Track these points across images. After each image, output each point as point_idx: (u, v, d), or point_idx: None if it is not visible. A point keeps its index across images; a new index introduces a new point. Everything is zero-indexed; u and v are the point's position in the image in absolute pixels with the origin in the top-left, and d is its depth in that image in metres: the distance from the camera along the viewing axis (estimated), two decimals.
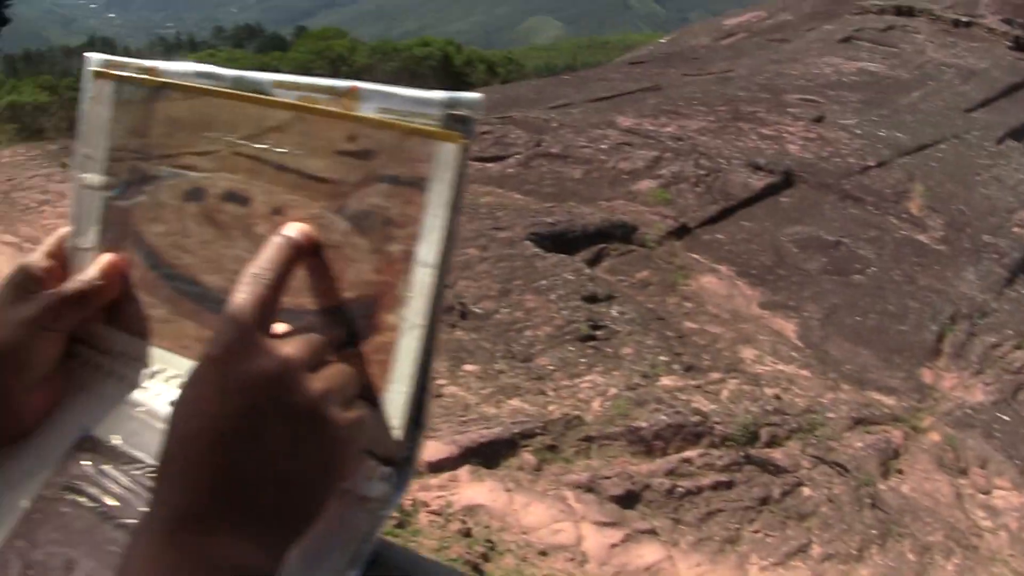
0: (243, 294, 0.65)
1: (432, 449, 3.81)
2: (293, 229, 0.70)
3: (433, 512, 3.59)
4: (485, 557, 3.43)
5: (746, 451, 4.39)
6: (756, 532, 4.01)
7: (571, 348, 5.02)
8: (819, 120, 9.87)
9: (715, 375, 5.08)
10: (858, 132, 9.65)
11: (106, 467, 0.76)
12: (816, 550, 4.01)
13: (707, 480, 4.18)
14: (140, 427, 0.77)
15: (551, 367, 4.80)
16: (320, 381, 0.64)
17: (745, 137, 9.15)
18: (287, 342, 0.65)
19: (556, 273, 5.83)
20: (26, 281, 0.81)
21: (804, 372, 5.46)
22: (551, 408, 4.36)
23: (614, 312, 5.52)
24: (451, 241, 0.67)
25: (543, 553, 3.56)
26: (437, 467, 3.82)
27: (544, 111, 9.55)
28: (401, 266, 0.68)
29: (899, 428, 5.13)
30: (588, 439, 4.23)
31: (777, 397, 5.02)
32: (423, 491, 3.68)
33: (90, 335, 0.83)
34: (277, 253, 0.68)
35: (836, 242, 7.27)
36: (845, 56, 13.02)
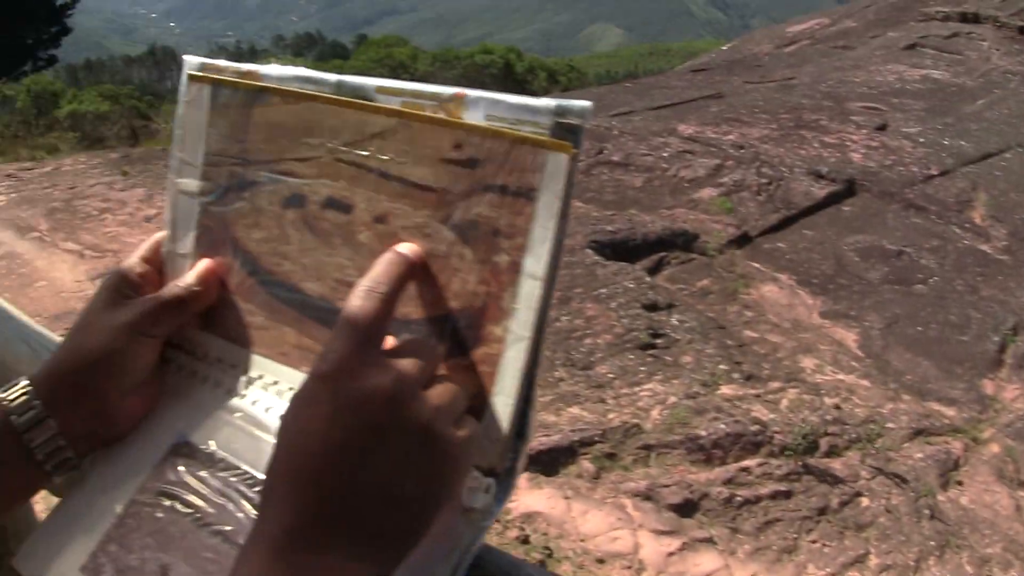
0: (357, 308, 0.64)
1: None
2: (406, 247, 0.69)
3: None
4: (543, 564, 3.42)
5: (805, 461, 4.36)
6: (814, 542, 3.98)
7: (631, 356, 5.01)
8: (882, 128, 9.73)
9: (775, 384, 5.04)
10: (921, 140, 9.50)
11: (202, 473, 0.76)
12: (873, 561, 3.97)
13: (765, 489, 4.15)
14: (236, 433, 0.77)
15: (611, 375, 4.79)
16: (433, 398, 0.64)
17: (807, 145, 9.06)
18: (401, 359, 0.64)
19: (616, 281, 5.82)
20: (122, 286, 0.81)
21: (864, 382, 5.40)
22: (610, 416, 4.36)
23: (674, 320, 5.50)
24: (558, 253, 0.65)
25: (600, 561, 3.56)
26: None
27: (605, 119, 9.51)
28: (507, 277, 0.66)
29: (959, 439, 5.05)
30: (647, 447, 4.22)
31: (837, 407, 4.97)
32: None
33: (186, 340, 0.83)
34: (392, 268, 0.67)
35: (898, 251, 7.17)
36: (909, 63, 12.82)
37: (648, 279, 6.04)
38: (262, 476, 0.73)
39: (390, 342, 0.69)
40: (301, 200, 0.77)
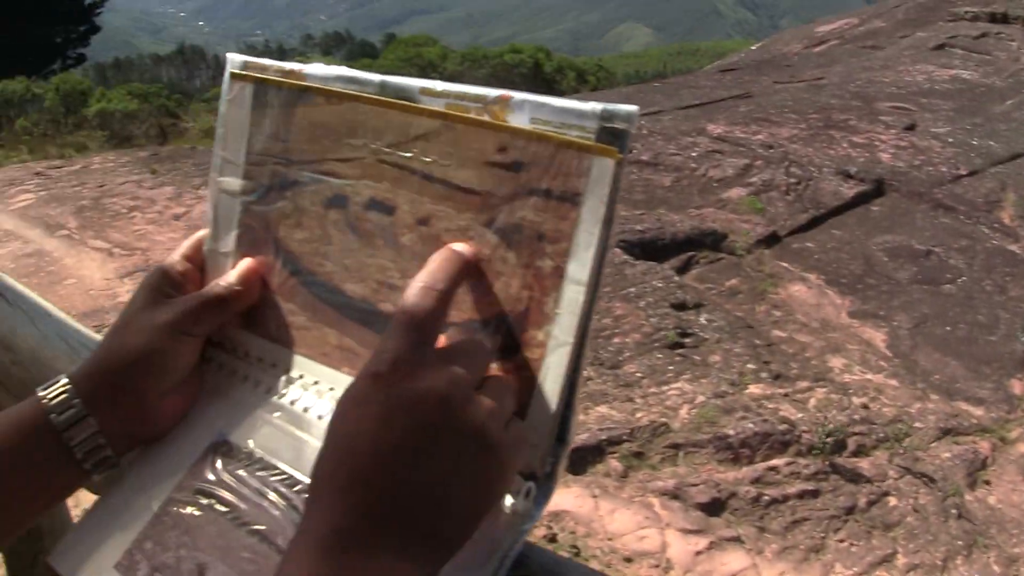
0: (412, 306, 0.63)
1: None
2: (461, 246, 0.68)
3: None
4: None
5: (833, 460, 4.33)
6: (841, 541, 3.96)
7: (659, 355, 5.00)
8: (911, 128, 9.66)
9: (803, 384, 5.02)
10: (950, 141, 9.42)
11: (240, 472, 0.76)
12: (901, 560, 3.95)
13: (793, 489, 4.13)
14: (275, 433, 0.76)
15: (639, 374, 4.79)
16: (485, 400, 0.63)
17: (836, 145, 9.00)
18: (454, 359, 0.63)
19: (645, 281, 5.81)
20: (163, 284, 0.81)
21: (892, 382, 5.37)
22: (638, 415, 4.35)
23: (703, 320, 5.48)
24: (602, 258, 0.65)
25: (628, 559, 3.55)
26: None
27: None
28: (550, 282, 0.65)
29: (987, 439, 5.01)
30: (675, 446, 4.21)
31: (865, 406, 4.94)
32: None
33: (227, 339, 0.83)
34: (448, 266, 0.66)
35: (927, 251, 7.12)
36: (938, 63, 12.72)
37: (677, 278, 6.02)
38: (301, 476, 0.74)
39: (442, 341, 0.68)
40: (344, 201, 0.77)
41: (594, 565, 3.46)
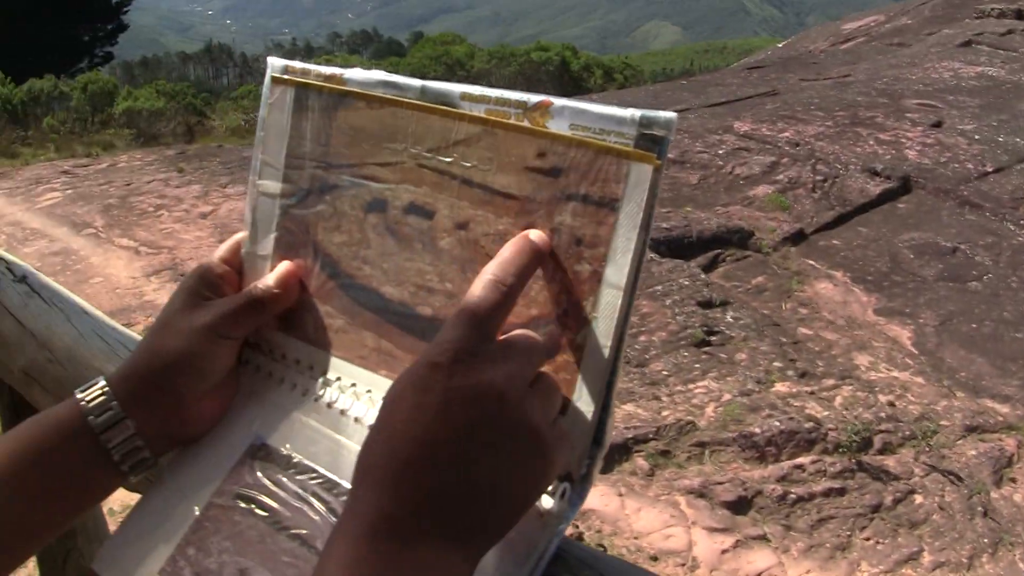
0: (479, 299, 0.62)
1: None
2: (537, 235, 0.66)
3: None
4: None
5: (859, 458, 4.30)
6: (867, 539, 3.93)
7: (685, 353, 4.98)
8: (937, 125, 9.58)
9: (829, 381, 4.98)
10: (976, 137, 9.34)
11: (279, 475, 0.75)
12: (927, 558, 3.91)
13: (819, 487, 4.11)
14: (313, 436, 0.76)
15: (665, 372, 4.77)
16: (537, 398, 0.62)
17: (863, 142, 8.94)
18: (512, 356, 0.62)
19: (672, 278, 5.79)
20: (201, 287, 0.80)
21: (918, 379, 5.32)
22: (665, 413, 4.34)
23: (729, 318, 5.46)
24: (640, 263, 0.64)
25: (654, 558, 3.54)
26: None
27: None
28: (588, 286, 0.65)
29: (1013, 436, 4.96)
30: (701, 444, 4.20)
31: (891, 404, 4.90)
32: None
33: (264, 342, 0.82)
34: (520, 259, 0.65)
35: (953, 248, 7.06)
36: (964, 60, 12.62)
37: (703, 276, 6.00)
38: (339, 479, 0.73)
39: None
40: (383, 205, 0.76)
41: None
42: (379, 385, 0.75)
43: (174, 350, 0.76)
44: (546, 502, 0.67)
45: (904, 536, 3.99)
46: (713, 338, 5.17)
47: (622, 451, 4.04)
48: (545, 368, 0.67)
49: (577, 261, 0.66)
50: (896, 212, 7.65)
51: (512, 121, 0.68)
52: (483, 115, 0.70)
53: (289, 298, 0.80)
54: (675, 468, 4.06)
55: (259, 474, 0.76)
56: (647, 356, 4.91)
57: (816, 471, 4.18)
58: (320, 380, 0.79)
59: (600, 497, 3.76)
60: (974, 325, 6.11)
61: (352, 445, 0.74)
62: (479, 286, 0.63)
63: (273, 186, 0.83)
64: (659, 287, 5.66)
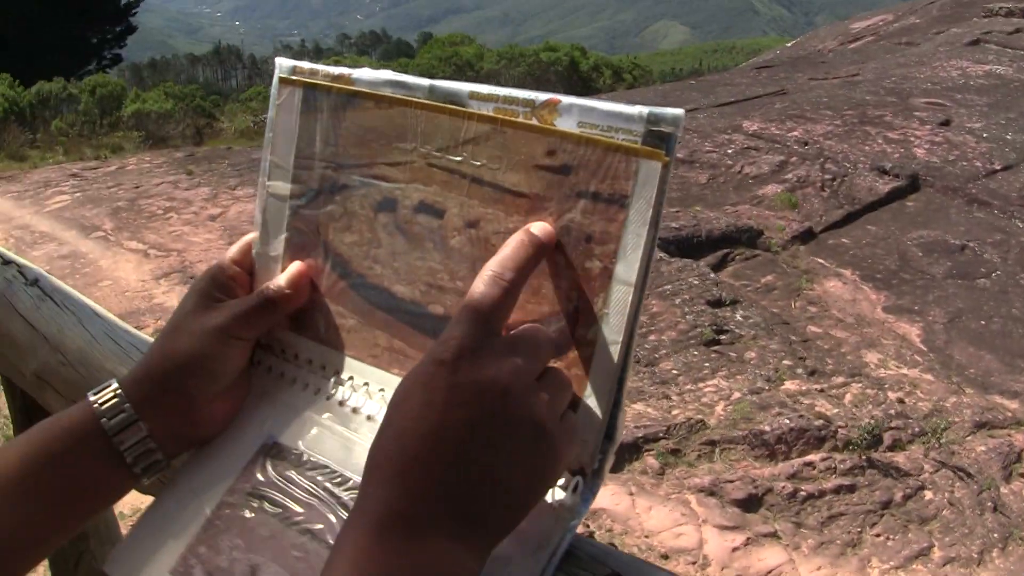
0: (481, 295, 0.62)
1: None
2: (539, 227, 0.66)
3: None
4: None
5: (869, 455, 4.29)
6: (878, 536, 3.92)
7: (695, 352, 4.97)
8: (946, 124, 9.55)
9: (838, 379, 4.97)
10: (985, 136, 9.30)
11: (290, 473, 0.75)
12: (937, 554, 3.90)
13: (829, 484, 4.10)
14: (325, 433, 0.76)
15: (675, 371, 4.76)
16: (544, 393, 0.62)
17: (871, 141, 8.92)
18: (518, 350, 0.62)
19: (681, 278, 5.78)
20: (212, 288, 0.80)
21: (928, 376, 5.30)
22: (675, 412, 4.33)
23: (738, 316, 5.45)
24: (650, 260, 0.64)
25: (665, 556, 3.54)
26: None
27: None
28: (599, 283, 0.65)
29: (1022, 432, 4.94)
30: (711, 443, 4.19)
31: (900, 401, 4.88)
32: None
33: (276, 342, 0.82)
34: (521, 252, 0.65)
35: (961, 246, 7.03)
36: (972, 59, 12.57)
37: (712, 275, 5.99)
38: (351, 474, 0.73)
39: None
40: (393, 204, 0.76)
41: None
42: (391, 384, 0.74)
43: (186, 352, 0.76)
44: (560, 496, 0.67)
45: (914, 532, 3.97)
46: (723, 337, 5.16)
47: (632, 450, 4.03)
48: (556, 364, 0.66)
49: (587, 258, 0.66)
50: (905, 210, 7.62)
51: (521, 120, 0.68)
52: (492, 114, 0.70)
53: (300, 298, 0.80)
54: (685, 467, 4.05)
55: (271, 471, 0.76)
56: (657, 355, 4.91)
57: (826, 468, 4.17)
58: (332, 379, 0.79)
59: (611, 496, 3.75)
60: (983, 322, 6.09)
61: (364, 442, 0.73)
62: (480, 282, 0.63)
63: (283, 187, 0.83)
64: (669, 286, 5.65)
